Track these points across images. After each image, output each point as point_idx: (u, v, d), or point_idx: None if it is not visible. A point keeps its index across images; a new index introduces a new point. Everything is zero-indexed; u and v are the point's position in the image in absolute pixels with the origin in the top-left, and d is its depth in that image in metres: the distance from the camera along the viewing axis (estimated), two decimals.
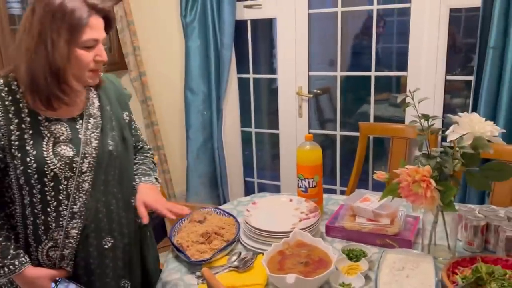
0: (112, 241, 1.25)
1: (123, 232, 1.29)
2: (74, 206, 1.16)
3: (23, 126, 1.12)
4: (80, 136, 1.17)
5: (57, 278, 1.18)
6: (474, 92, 1.99)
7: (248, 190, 2.94)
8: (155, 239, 1.54)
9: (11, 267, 1.13)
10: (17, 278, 1.17)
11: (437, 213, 1.25)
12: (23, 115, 1.12)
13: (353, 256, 1.28)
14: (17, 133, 1.11)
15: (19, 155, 1.11)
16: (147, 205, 1.29)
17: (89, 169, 1.18)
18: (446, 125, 1.26)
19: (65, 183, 1.15)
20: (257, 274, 1.25)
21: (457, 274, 1.13)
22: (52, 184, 1.14)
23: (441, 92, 2.21)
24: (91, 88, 1.25)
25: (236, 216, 1.56)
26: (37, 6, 1.06)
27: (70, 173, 1.14)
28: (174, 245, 1.39)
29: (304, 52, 2.52)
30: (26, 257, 1.16)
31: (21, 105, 1.13)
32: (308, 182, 1.56)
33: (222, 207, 1.72)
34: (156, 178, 1.41)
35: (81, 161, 1.16)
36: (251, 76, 2.75)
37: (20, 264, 1.14)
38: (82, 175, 1.17)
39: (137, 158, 1.43)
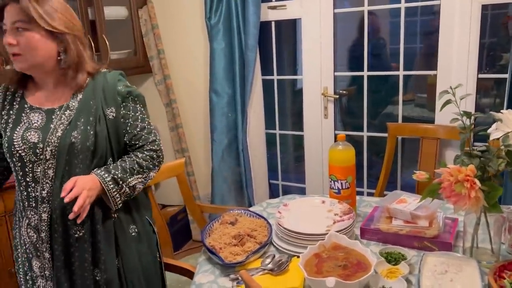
0: (83, 231, 1.29)
1: (93, 224, 1.30)
2: (43, 192, 1.28)
3: (11, 112, 1.32)
4: (51, 126, 1.28)
5: None
6: (510, 90, 1.92)
7: (273, 192, 2.91)
8: (180, 242, 1.51)
9: None
10: None
11: (480, 215, 1.20)
12: (14, 103, 1.33)
13: (392, 259, 1.24)
14: (5, 117, 1.32)
15: (4, 136, 1.32)
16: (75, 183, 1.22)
17: (52, 157, 1.27)
18: (477, 124, 1.21)
19: (30, 166, 1.28)
20: (292, 277, 1.23)
21: (504, 278, 1.08)
22: (19, 165, 1.29)
23: (473, 91, 2.15)
24: (83, 84, 1.33)
25: (267, 218, 1.54)
26: None
27: (34, 157, 1.27)
28: (207, 247, 1.37)
29: (330, 52, 2.48)
30: None
31: (16, 94, 1.34)
32: (341, 184, 1.52)
33: (252, 209, 1.70)
34: (114, 178, 1.28)
35: (45, 148, 1.26)
36: (275, 77, 2.73)
37: None
38: (47, 162, 1.27)
39: (126, 155, 1.37)
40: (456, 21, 2.11)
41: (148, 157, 1.37)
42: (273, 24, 2.64)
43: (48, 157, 1.26)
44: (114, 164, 1.32)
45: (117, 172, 1.29)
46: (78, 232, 1.29)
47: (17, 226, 1.38)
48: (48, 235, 1.29)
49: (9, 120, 1.31)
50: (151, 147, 1.39)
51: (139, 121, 1.38)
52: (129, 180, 1.32)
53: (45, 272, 1.33)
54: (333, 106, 2.57)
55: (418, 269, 1.16)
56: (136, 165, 1.33)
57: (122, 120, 1.35)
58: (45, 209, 1.28)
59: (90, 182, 1.24)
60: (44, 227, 1.29)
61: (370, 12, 2.45)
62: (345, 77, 2.71)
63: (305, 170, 2.74)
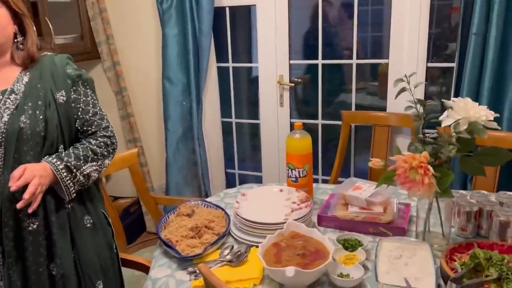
0: (36, 224, 1.22)
1: (46, 215, 1.24)
2: None
3: None
4: None
5: None
6: (457, 79, 2.00)
7: (229, 182, 2.88)
8: (134, 234, 1.45)
9: None
10: None
11: (432, 200, 1.24)
12: None
13: (349, 245, 1.25)
14: None
15: None
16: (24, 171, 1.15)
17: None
18: (428, 112, 1.24)
19: None
20: (251, 268, 1.21)
21: (455, 260, 1.12)
22: None
23: (423, 79, 2.22)
24: (27, 67, 1.26)
25: (225, 208, 1.51)
26: None
27: None
28: (163, 240, 1.32)
29: (285, 40, 2.47)
30: None
31: None
32: (299, 172, 1.52)
33: (209, 199, 1.66)
34: (67, 165, 1.22)
35: None
36: (230, 65, 2.69)
37: None
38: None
39: (78, 143, 1.31)
40: (407, 11, 2.16)
41: (102, 143, 1.31)
42: (227, 10, 2.59)
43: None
44: (67, 152, 1.26)
45: (70, 160, 1.22)
46: (31, 225, 1.22)
47: None
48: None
49: None
50: (104, 133, 1.33)
51: (91, 106, 1.32)
52: (83, 167, 1.25)
53: None
54: (289, 94, 2.57)
55: (375, 254, 1.19)
56: (90, 152, 1.27)
57: (73, 104, 1.29)
58: None
59: (41, 170, 1.17)
60: None
61: (324, 0, 2.45)
62: (299, 65, 2.71)
63: (261, 159, 2.74)
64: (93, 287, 1.33)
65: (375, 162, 1.24)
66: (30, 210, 1.14)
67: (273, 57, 2.52)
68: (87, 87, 1.34)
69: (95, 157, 1.29)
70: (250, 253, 1.26)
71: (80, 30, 2.67)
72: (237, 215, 1.38)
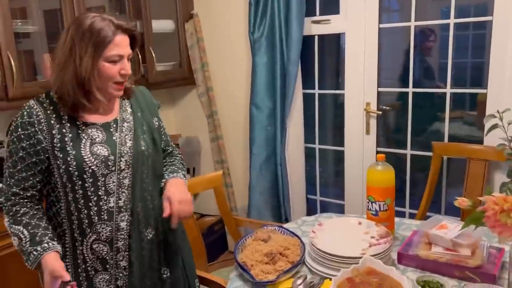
0: (152, 233, 1.37)
1: (159, 224, 1.39)
2: (119, 201, 1.30)
3: (63, 130, 1.26)
4: (114, 138, 1.31)
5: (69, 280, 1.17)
6: None
7: (310, 208, 2.87)
8: (216, 252, 1.59)
9: (35, 252, 1.19)
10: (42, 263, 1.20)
11: None
12: (63, 121, 1.27)
13: None
14: (59, 136, 1.25)
15: (61, 155, 1.25)
16: (169, 198, 1.33)
17: (127, 166, 1.31)
18: None
19: (103, 179, 1.28)
20: None
21: None
22: (91, 180, 1.27)
23: None
24: (124, 97, 1.40)
25: (301, 236, 1.52)
26: (72, 27, 1.24)
27: (106, 170, 1.28)
28: (239, 263, 1.37)
29: (374, 67, 2.44)
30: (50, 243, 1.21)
31: (61, 113, 1.27)
32: (379, 205, 1.47)
33: (286, 226, 1.68)
34: (183, 175, 1.46)
35: (119, 160, 1.29)
36: (316, 91, 2.71)
37: (42, 250, 1.19)
38: (122, 173, 1.30)
39: (166, 161, 1.51)
40: (510, 36, 2.01)
41: (181, 159, 1.54)
42: (316, 38, 2.63)
43: (123, 167, 1.30)
44: (175, 167, 1.47)
45: (184, 173, 1.46)
46: (149, 235, 1.37)
47: (70, 250, 1.31)
48: (126, 243, 1.32)
49: (65, 139, 1.25)
50: (177, 152, 1.56)
51: (166, 130, 1.54)
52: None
53: (117, 283, 1.33)
54: (376, 122, 2.51)
55: None
56: (181, 166, 1.50)
57: (161, 129, 1.50)
58: (123, 217, 1.30)
59: (181, 187, 1.38)
60: (122, 236, 1.31)
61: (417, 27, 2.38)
62: (390, 92, 2.64)
63: (344, 186, 2.69)
64: (194, 285, 1.53)
65: (461, 202, 1.16)
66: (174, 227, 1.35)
67: (360, 84, 2.49)
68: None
69: (184, 167, 1.51)
70: (323, 285, 1.25)
71: (179, 58, 2.90)
72: (312, 245, 1.37)
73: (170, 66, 2.86)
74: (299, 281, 1.28)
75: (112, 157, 1.28)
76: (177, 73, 2.89)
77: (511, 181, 1.11)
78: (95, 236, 1.29)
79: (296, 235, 1.52)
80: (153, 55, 2.61)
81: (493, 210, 1.07)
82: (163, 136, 1.50)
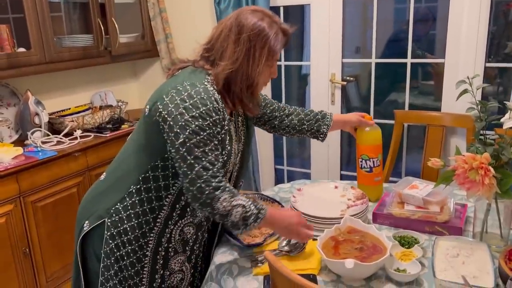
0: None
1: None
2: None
3: (224, 123, 1.23)
4: (234, 132, 1.35)
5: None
6: None
7: (278, 178, 2.95)
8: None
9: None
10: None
11: (491, 201, 1.25)
12: (225, 113, 1.24)
13: (405, 242, 1.28)
14: (225, 127, 1.24)
15: (223, 150, 1.25)
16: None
17: (239, 161, 1.39)
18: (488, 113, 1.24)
19: (229, 175, 1.34)
20: (309, 259, 1.27)
21: None
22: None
23: (481, 80, 2.18)
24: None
25: (281, 202, 1.58)
26: (246, 27, 1.21)
27: (231, 166, 1.32)
28: (225, 230, 1.41)
29: (338, 39, 2.50)
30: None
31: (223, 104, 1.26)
32: (373, 162, 1.57)
33: (265, 193, 1.73)
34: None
35: (236, 155, 1.35)
36: (282, 63, 2.75)
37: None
38: (235, 166, 1.38)
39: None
40: (465, 9, 2.13)
41: None
42: (281, 9, 2.64)
43: (237, 162, 1.37)
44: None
45: None
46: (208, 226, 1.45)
47: (159, 227, 1.30)
48: (210, 226, 1.44)
49: (222, 131, 1.24)
50: None
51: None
52: None
53: (189, 264, 1.42)
54: (340, 92, 2.60)
55: (431, 252, 1.21)
56: None
57: None
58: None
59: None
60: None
61: None
62: (352, 63, 2.72)
63: (310, 156, 2.78)
64: None
65: (434, 162, 1.26)
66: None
67: (326, 56, 2.55)
68: None
69: None
70: (307, 245, 1.32)
71: (141, 30, 2.82)
72: (295, 209, 1.44)
73: (133, 37, 2.78)
74: (284, 242, 1.34)
75: (236, 152, 1.35)
76: (140, 45, 2.81)
77: (479, 142, 1.22)
78: (191, 220, 1.33)
79: (277, 201, 1.58)
80: (116, 26, 2.52)
81: (462, 168, 1.17)
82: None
